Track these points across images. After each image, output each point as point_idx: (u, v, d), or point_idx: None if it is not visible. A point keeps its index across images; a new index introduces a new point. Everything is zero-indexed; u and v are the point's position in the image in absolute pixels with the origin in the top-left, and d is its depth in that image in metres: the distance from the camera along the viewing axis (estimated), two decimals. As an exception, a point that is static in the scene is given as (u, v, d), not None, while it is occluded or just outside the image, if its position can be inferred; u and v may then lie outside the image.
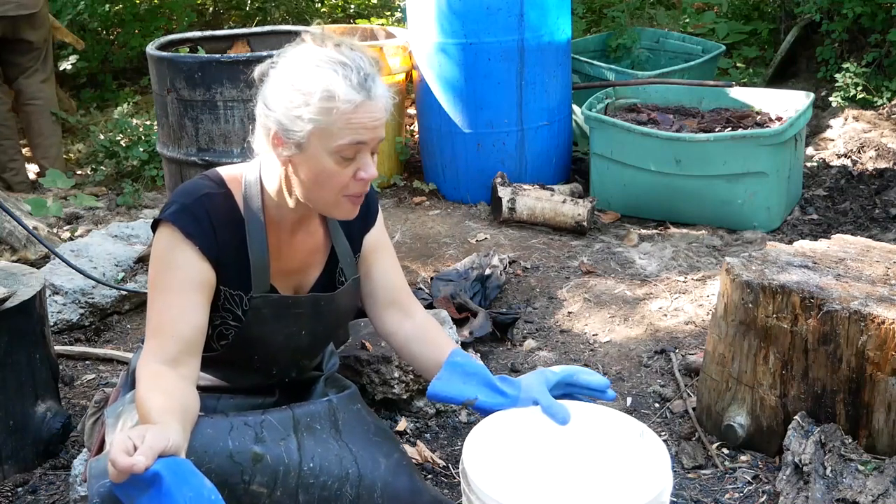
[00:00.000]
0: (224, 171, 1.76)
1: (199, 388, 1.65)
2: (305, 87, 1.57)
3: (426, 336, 1.90)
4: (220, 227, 1.68)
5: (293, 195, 1.69)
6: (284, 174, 1.67)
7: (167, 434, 1.36)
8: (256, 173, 1.73)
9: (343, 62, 1.58)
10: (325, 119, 1.57)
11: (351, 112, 1.57)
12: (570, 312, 3.26)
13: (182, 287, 1.63)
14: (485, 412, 1.74)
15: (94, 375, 2.90)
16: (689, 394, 2.64)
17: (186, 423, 1.49)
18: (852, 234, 2.98)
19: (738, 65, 6.26)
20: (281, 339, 1.79)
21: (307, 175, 1.63)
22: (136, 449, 1.31)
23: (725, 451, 2.39)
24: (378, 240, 1.92)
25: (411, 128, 5.29)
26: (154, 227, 1.70)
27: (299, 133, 1.59)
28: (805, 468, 2.09)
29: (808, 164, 4.62)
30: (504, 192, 4.06)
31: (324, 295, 1.82)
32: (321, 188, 1.63)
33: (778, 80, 5.99)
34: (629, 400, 2.68)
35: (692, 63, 5.13)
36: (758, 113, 4.32)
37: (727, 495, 2.22)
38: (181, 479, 1.33)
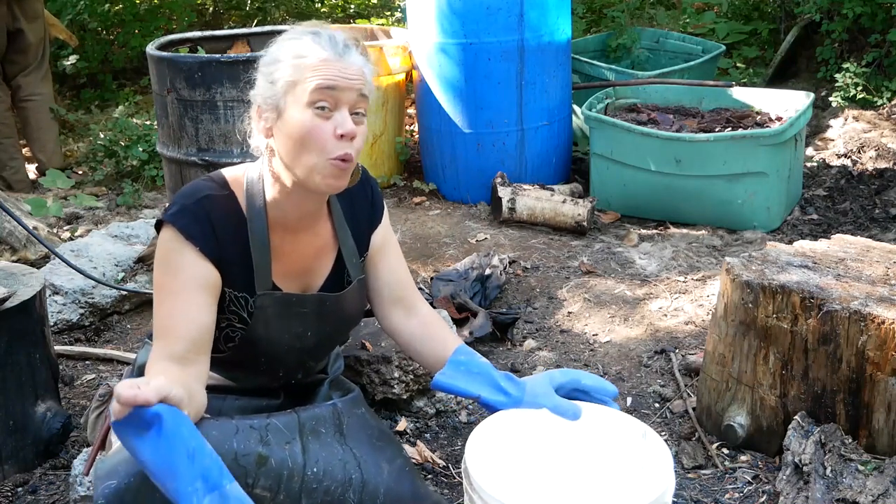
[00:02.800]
0: (227, 173, 1.76)
1: (206, 387, 1.65)
2: (278, 54, 1.66)
3: (431, 333, 1.90)
4: (221, 229, 1.68)
5: (287, 175, 1.67)
6: (273, 153, 1.68)
7: (171, 387, 1.37)
8: (258, 171, 1.73)
9: (315, 31, 1.64)
10: (295, 74, 1.62)
11: (319, 63, 1.60)
12: (570, 312, 3.26)
13: (186, 288, 1.63)
14: (488, 409, 1.75)
15: (94, 375, 2.90)
16: (689, 394, 2.64)
17: (192, 406, 1.50)
18: (852, 234, 2.98)
19: (738, 65, 6.27)
20: (287, 340, 1.79)
21: (288, 140, 1.63)
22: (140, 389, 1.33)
23: (725, 451, 2.39)
24: (384, 237, 1.92)
25: (411, 128, 5.30)
26: (157, 228, 1.70)
27: (276, 96, 1.64)
28: (805, 468, 2.09)
29: (808, 164, 4.62)
30: (504, 192, 4.06)
31: (329, 295, 1.81)
32: (304, 149, 1.61)
33: (778, 80, 5.99)
34: (629, 400, 2.68)
35: (692, 63, 5.14)
36: (758, 113, 4.32)
37: (727, 495, 2.22)
38: (181, 422, 1.35)
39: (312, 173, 1.63)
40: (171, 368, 1.56)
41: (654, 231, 4.00)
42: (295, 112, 1.61)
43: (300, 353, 1.84)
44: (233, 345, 1.76)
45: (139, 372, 1.82)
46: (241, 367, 1.81)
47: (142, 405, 1.31)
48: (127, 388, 1.30)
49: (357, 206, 1.87)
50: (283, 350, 1.80)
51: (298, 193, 1.69)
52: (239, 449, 1.58)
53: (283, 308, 1.76)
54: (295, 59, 1.62)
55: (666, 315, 3.20)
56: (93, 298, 3.22)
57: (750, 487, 2.24)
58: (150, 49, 3.25)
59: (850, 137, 4.84)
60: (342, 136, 1.60)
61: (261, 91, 1.67)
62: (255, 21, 7.33)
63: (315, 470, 1.64)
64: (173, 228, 1.65)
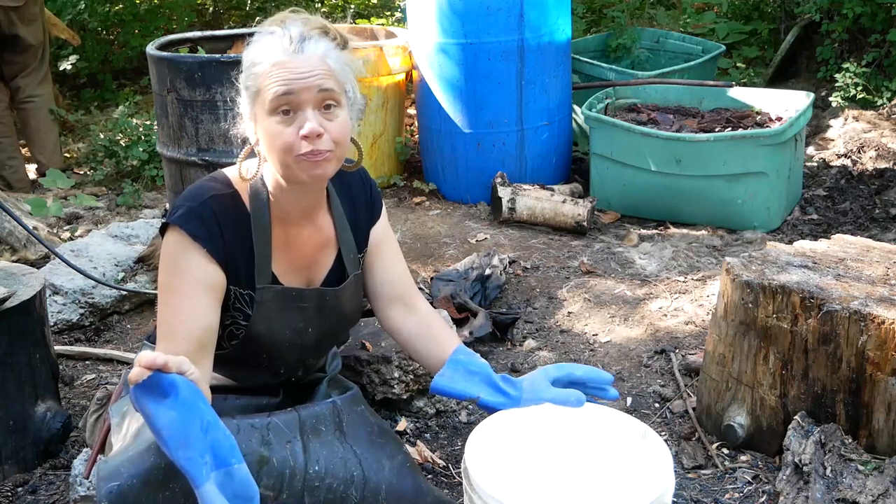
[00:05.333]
0: (230, 172, 1.76)
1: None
2: (244, 63, 1.67)
3: (430, 332, 1.90)
4: (228, 229, 1.68)
5: (279, 175, 1.69)
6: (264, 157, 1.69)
7: (189, 364, 1.39)
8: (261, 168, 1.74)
9: (271, 31, 1.64)
10: (255, 83, 1.62)
11: (272, 68, 1.60)
12: (570, 312, 3.26)
13: (191, 289, 1.64)
14: (488, 410, 1.75)
15: (94, 375, 2.90)
16: (689, 394, 2.64)
17: None
18: (852, 234, 2.98)
19: (738, 65, 6.27)
20: (288, 335, 1.79)
21: (264, 145, 1.65)
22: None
23: (725, 451, 2.39)
24: (382, 234, 1.93)
25: (411, 128, 5.30)
26: (162, 230, 1.70)
27: (248, 107, 1.66)
28: (805, 468, 2.09)
29: (808, 164, 4.62)
30: (504, 192, 4.06)
31: (328, 289, 1.82)
32: (275, 153, 1.62)
33: (778, 80, 5.99)
34: (629, 400, 2.68)
35: (692, 63, 5.14)
36: (758, 113, 4.32)
37: (727, 495, 2.22)
38: (197, 395, 1.36)
39: (290, 173, 1.64)
40: None
41: (654, 231, 4.00)
42: (263, 121, 1.63)
43: (301, 350, 1.84)
44: (235, 342, 1.76)
45: None
46: (242, 364, 1.81)
47: (160, 369, 1.32)
48: (147, 353, 1.33)
49: (357, 203, 1.88)
50: (285, 346, 1.80)
51: (294, 190, 1.70)
52: (240, 448, 1.58)
53: (284, 302, 1.76)
54: (252, 67, 1.63)
55: (666, 315, 3.20)
56: (93, 298, 3.22)
57: (750, 487, 2.24)
58: (150, 49, 3.25)
59: (850, 137, 4.84)
60: (306, 136, 1.59)
61: (240, 102, 1.70)
62: (255, 21, 7.33)
63: (317, 468, 1.65)
64: (180, 231, 1.65)
